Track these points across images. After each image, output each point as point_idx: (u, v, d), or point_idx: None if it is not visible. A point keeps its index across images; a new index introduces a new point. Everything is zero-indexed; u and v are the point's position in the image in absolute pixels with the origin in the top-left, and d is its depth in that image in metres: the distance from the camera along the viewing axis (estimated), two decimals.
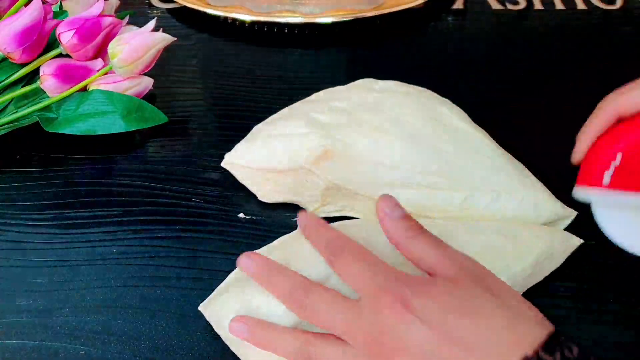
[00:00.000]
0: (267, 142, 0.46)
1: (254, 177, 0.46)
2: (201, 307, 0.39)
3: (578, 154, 0.39)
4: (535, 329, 0.29)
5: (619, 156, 0.33)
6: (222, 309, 0.37)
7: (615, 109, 0.37)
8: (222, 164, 0.47)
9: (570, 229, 0.43)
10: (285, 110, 0.50)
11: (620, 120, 0.37)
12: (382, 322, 0.30)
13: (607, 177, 0.34)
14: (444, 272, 0.31)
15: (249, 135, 0.48)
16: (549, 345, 0.28)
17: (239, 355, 0.37)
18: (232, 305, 0.37)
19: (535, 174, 0.45)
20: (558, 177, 0.50)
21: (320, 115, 0.47)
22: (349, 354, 0.31)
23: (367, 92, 0.49)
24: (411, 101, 0.47)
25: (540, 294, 0.40)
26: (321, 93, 0.50)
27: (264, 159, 0.45)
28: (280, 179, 0.45)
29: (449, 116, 0.46)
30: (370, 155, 0.44)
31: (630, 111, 0.37)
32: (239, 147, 0.47)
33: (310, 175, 0.44)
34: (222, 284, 0.40)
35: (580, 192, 0.37)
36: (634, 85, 0.38)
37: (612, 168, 0.34)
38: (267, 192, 0.46)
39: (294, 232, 0.41)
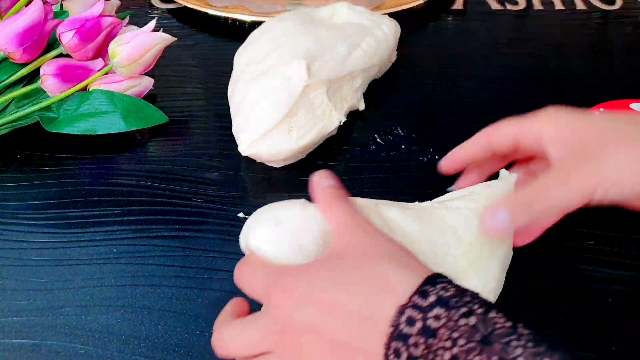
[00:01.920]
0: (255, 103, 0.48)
1: (278, 141, 0.47)
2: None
3: (444, 166, 0.42)
4: (409, 278, 0.29)
5: (601, 110, 0.49)
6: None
7: (488, 140, 0.40)
8: (246, 155, 0.48)
9: (569, 230, 0.43)
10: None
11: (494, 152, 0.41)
12: (278, 316, 0.31)
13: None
14: (336, 243, 0.33)
15: (239, 117, 0.49)
16: (423, 289, 0.28)
17: None
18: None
19: None
20: None
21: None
22: None
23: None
24: None
25: (538, 294, 0.40)
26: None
27: (269, 117, 0.47)
28: (295, 120, 0.47)
29: None
30: None
31: (500, 145, 0.40)
32: (243, 136, 0.48)
33: (311, 90, 0.48)
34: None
35: None
36: (511, 119, 0.39)
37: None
38: (295, 142, 0.47)
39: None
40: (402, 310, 0.28)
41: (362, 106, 0.54)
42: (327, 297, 0.30)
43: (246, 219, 0.46)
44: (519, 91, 0.58)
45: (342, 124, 0.50)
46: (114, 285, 0.41)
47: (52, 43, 0.54)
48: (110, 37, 0.54)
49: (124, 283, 0.42)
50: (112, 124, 0.51)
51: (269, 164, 0.49)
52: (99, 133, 0.51)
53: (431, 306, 0.27)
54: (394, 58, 0.59)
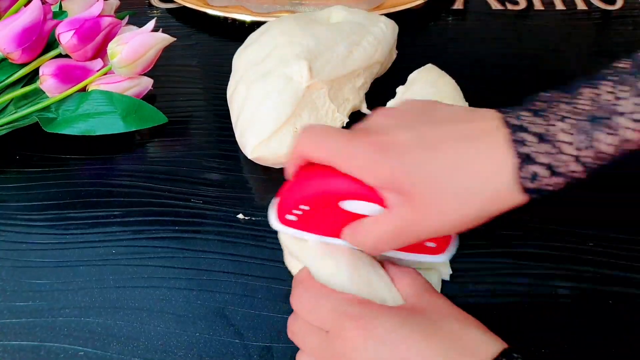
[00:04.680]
0: (260, 107, 0.48)
1: (284, 142, 0.47)
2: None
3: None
4: (488, 344, 0.29)
5: (302, 207, 0.33)
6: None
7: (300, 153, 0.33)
8: (252, 158, 0.48)
9: (569, 231, 0.43)
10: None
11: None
12: (345, 346, 0.30)
13: (292, 218, 0.34)
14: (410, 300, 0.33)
15: (243, 126, 0.49)
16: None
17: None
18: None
19: None
20: None
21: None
22: None
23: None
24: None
25: (540, 293, 0.40)
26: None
27: (273, 118, 0.47)
28: (299, 121, 0.48)
29: None
30: None
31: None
32: (248, 139, 0.48)
33: (313, 90, 0.49)
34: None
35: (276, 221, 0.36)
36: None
37: (296, 215, 0.34)
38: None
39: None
40: None
41: (364, 107, 0.54)
42: (405, 346, 0.29)
43: (245, 219, 0.46)
44: (519, 91, 0.58)
45: (345, 125, 0.50)
46: (114, 287, 0.41)
47: (51, 43, 0.54)
48: (110, 37, 0.54)
49: (124, 284, 0.42)
50: (112, 125, 0.51)
51: (273, 166, 0.49)
52: (98, 133, 0.51)
53: None
54: (394, 56, 0.59)
